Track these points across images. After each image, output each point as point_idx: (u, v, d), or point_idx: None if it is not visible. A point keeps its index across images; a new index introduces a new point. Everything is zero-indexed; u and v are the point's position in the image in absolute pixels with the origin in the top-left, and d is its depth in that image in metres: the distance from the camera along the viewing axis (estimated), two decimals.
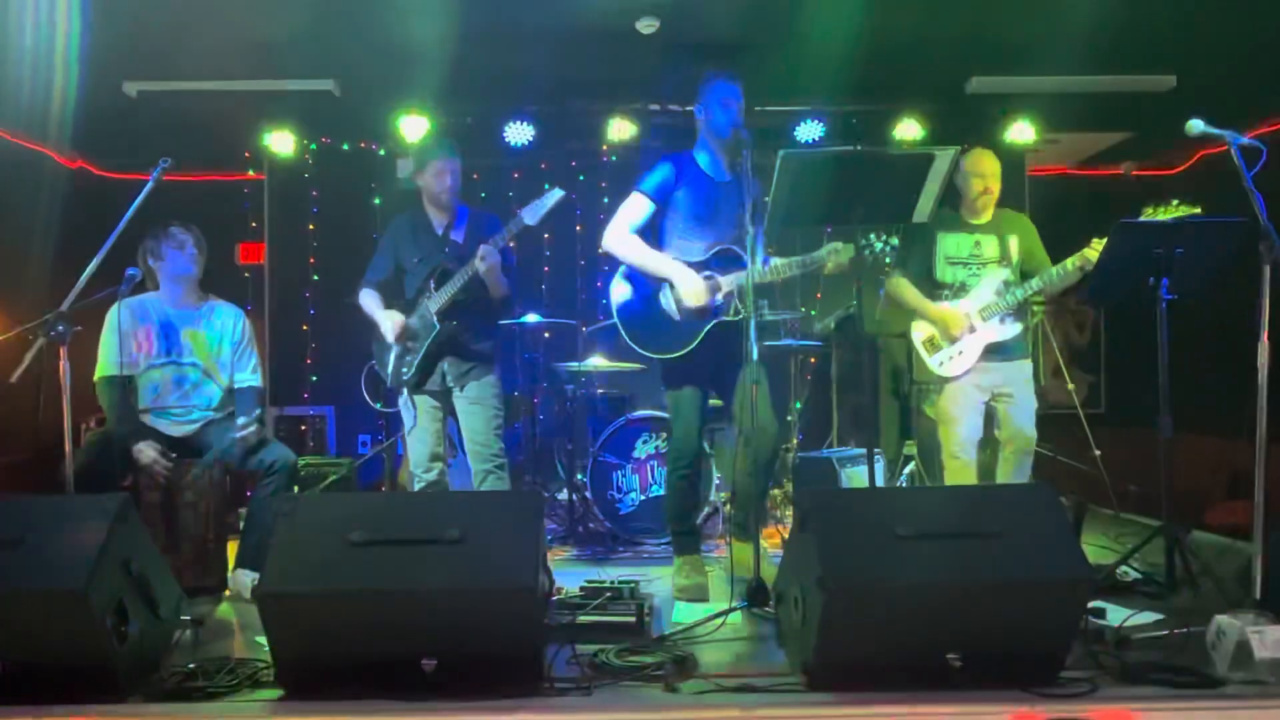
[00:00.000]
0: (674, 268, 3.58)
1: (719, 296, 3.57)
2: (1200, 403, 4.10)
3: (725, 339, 3.57)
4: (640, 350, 3.63)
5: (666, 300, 3.61)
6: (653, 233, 3.69)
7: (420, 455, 3.93)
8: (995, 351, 3.96)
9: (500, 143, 5.96)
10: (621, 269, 3.70)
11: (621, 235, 3.64)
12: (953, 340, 3.98)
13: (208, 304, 3.93)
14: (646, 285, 3.65)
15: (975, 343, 3.96)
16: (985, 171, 4.01)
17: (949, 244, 4.05)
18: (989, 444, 4.13)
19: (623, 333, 3.65)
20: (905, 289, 4.08)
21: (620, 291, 3.69)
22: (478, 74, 5.26)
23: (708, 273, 3.57)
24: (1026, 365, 4.06)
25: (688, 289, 3.54)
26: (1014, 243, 4.06)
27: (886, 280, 4.12)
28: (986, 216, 4.08)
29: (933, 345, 4.05)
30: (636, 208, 3.65)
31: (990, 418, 4.06)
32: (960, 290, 4.02)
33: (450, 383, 3.91)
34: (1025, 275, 4.01)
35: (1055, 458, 5.13)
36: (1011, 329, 3.96)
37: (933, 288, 4.07)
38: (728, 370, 3.64)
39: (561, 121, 6.05)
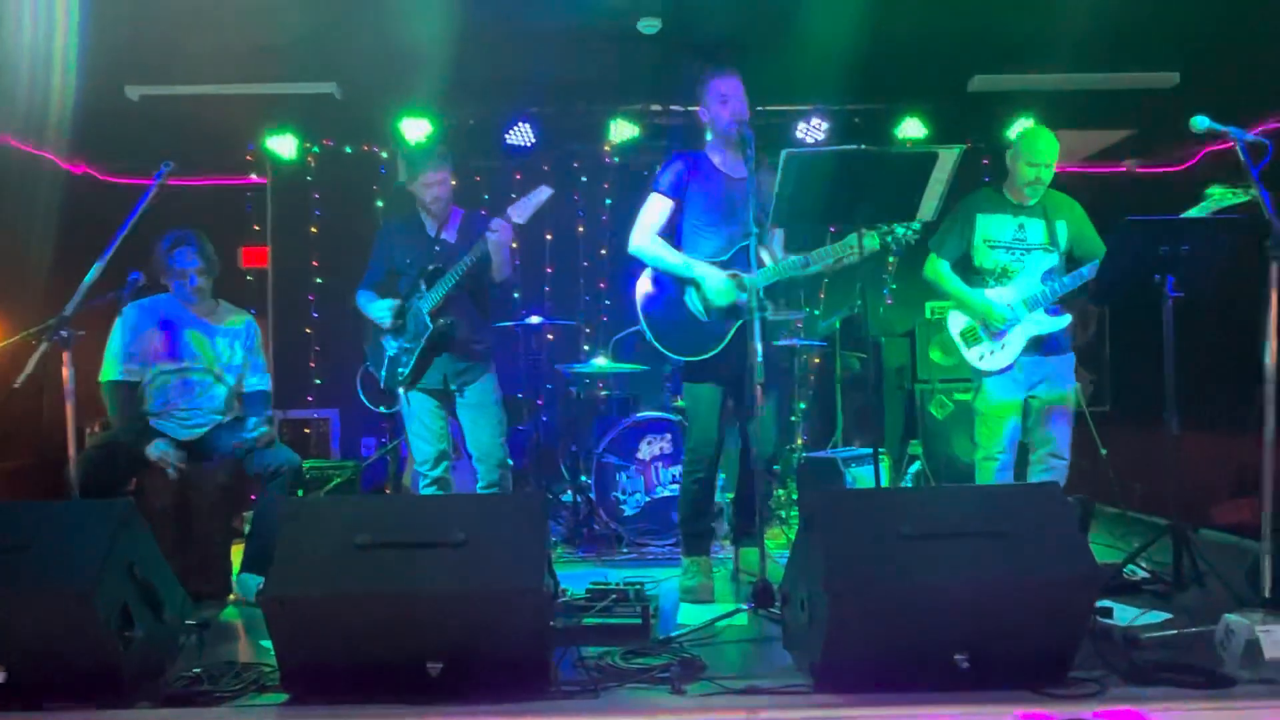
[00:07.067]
0: (697, 268, 3.54)
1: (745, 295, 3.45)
2: (1205, 400, 4.07)
3: (747, 339, 3.54)
4: (666, 353, 3.57)
5: (693, 301, 3.57)
6: (671, 233, 3.65)
7: (426, 454, 3.91)
8: (1040, 345, 3.70)
9: (502, 144, 5.96)
10: (647, 271, 3.66)
11: (646, 237, 3.62)
12: (995, 333, 3.72)
13: (219, 309, 3.95)
14: (672, 286, 3.61)
15: (1019, 335, 3.69)
16: (1040, 160, 3.70)
17: (989, 226, 3.77)
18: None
19: (648, 334, 3.60)
20: (942, 275, 3.80)
21: (645, 293, 3.64)
22: (479, 76, 5.26)
23: (732, 270, 3.51)
24: (1070, 359, 3.79)
25: (714, 286, 3.50)
26: (1062, 227, 3.78)
27: (924, 264, 3.87)
28: (1034, 199, 3.80)
29: (973, 337, 3.76)
30: (655, 208, 3.64)
31: (1025, 415, 3.77)
32: (1002, 276, 3.75)
33: (450, 383, 3.89)
34: (1074, 262, 3.71)
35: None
36: (1059, 321, 3.70)
37: (970, 274, 3.79)
38: (746, 371, 3.61)
39: (563, 123, 6.05)
